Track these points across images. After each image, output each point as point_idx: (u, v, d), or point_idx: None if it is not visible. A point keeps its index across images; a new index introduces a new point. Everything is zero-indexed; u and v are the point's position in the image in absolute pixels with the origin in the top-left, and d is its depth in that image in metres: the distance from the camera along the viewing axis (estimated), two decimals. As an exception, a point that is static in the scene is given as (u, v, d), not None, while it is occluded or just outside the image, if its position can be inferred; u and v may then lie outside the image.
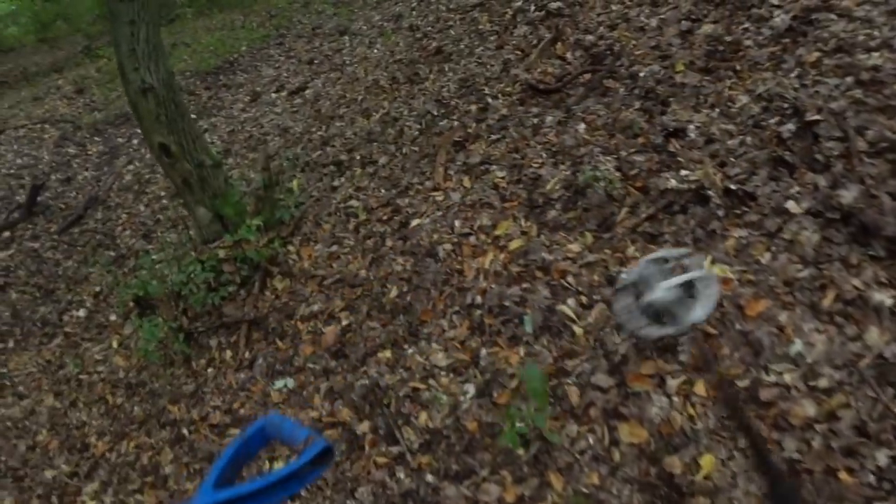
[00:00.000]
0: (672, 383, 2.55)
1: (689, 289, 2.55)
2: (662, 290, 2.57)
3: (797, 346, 2.49)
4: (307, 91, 5.97)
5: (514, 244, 3.21)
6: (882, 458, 2.19)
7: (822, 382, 2.39)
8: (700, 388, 2.51)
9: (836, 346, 2.43)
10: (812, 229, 2.70)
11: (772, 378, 2.46)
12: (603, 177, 3.24)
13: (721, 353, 2.57)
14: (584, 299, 2.91)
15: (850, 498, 2.16)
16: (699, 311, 2.52)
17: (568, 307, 2.89)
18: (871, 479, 2.18)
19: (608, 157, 3.37)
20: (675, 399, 2.52)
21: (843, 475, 2.20)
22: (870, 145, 2.79)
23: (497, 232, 3.30)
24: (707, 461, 2.34)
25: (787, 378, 2.44)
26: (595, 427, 2.53)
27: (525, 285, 3.02)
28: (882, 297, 2.48)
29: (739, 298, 2.67)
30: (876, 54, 3.16)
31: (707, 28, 3.72)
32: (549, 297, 2.94)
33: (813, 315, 2.55)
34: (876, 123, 2.83)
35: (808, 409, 2.35)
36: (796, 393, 2.40)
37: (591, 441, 2.51)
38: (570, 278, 2.98)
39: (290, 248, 3.86)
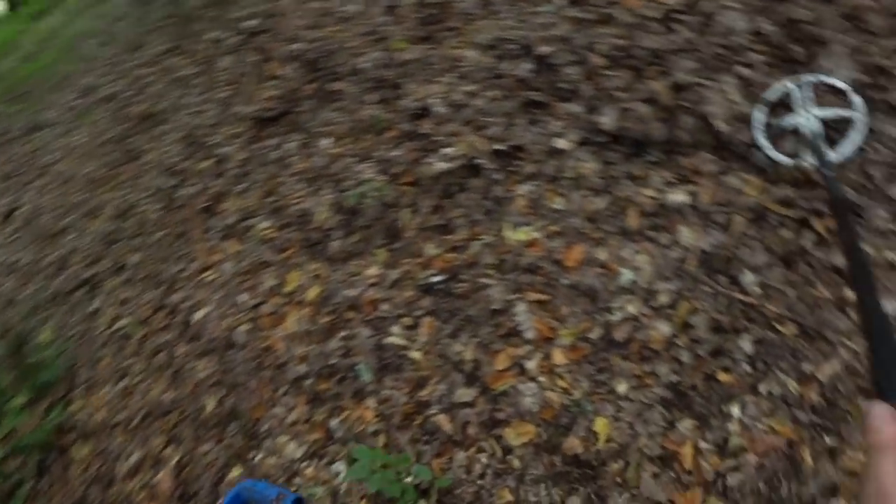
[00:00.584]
0: (531, 365, 2.40)
1: (837, 124, 2.32)
2: (802, 117, 2.35)
3: (626, 275, 2.43)
4: (20, 211, 5.13)
5: (311, 294, 2.87)
6: (746, 344, 2.19)
7: (663, 298, 2.34)
8: (558, 356, 2.38)
9: (660, 260, 2.40)
10: (590, 159, 2.65)
11: (618, 316, 2.38)
12: (370, 187, 2.99)
13: (561, 315, 2.46)
14: (407, 320, 2.66)
15: (737, 393, 2.14)
16: (842, 150, 2.27)
17: (396, 336, 2.63)
18: (746, 367, 2.17)
19: (367, 164, 3.12)
20: (542, 379, 2.37)
21: (721, 376, 2.16)
22: (605, 59, 2.78)
23: (288, 288, 2.94)
24: (601, 425, 2.21)
25: (632, 309, 2.37)
26: (482, 445, 2.32)
27: (342, 333, 2.71)
28: (677, 196, 2.47)
29: (554, 253, 2.57)
30: (568, -32, 3.16)
31: (409, -4, 3.57)
32: (373, 333, 2.66)
33: (626, 239, 2.50)
34: (601, 36, 2.83)
35: (664, 329, 2.30)
36: (646, 319, 2.34)
37: (484, 460, 2.30)
38: (384, 305, 2.71)
39: (75, 406, 3.23)
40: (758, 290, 2.24)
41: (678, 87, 2.57)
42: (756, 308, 2.21)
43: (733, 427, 2.08)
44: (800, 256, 2.26)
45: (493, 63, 3.06)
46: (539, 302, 2.49)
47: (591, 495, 2.11)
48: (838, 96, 2.35)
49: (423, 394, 2.46)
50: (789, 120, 2.35)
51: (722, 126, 2.44)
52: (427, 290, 2.69)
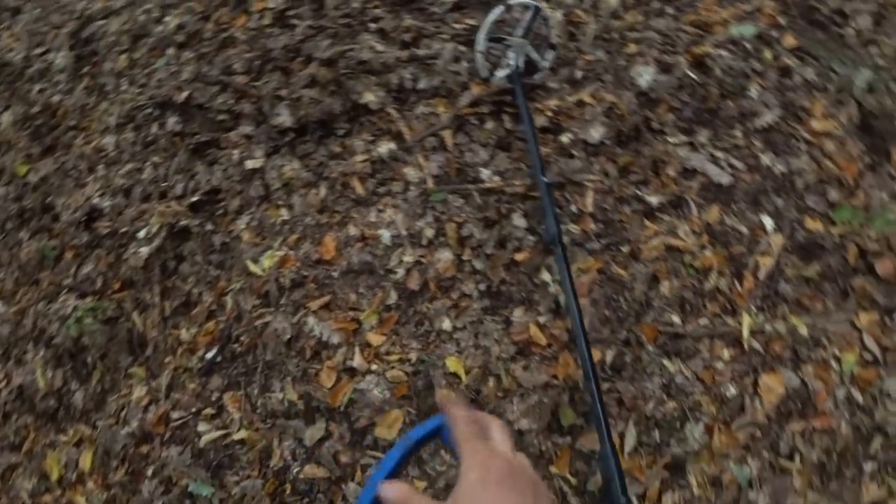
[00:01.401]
0: (357, 362, 2.22)
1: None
2: (511, 41, 2.55)
3: (385, 234, 2.41)
4: None
5: (86, 462, 2.31)
6: (519, 220, 2.30)
7: (429, 232, 2.36)
8: (374, 338, 2.25)
9: (405, 204, 2.42)
10: (288, 161, 2.58)
11: (401, 271, 2.34)
12: (82, 313, 2.55)
13: (352, 303, 2.35)
14: (208, 411, 2.28)
15: (540, 261, 2.24)
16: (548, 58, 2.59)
17: (207, 432, 2.24)
18: (531, 238, 2.29)
19: (62, 298, 2.66)
20: (375, 367, 2.21)
21: (518, 256, 2.26)
22: (247, 74, 2.74)
23: (55, 475, 2.34)
24: (453, 364, 2.13)
25: (409, 258, 2.35)
26: (363, 462, 2.09)
27: (150, 470, 2.24)
28: (384, 147, 2.52)
29: (310, 256, 2.44)
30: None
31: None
32: (182, 447, 2.23)
33: (365, 206, 2.47)
34: (230, 58, 2.78)
35: (446, 255, 2.31)
36: (426, 258, 2.34)
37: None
38: (174, 415, 2.31)
39: None
40: (496, 177, 2.39)
41: (329, 62, 2.64)
42: (502, 190, 2.36)
43: (553, 289, 2.19)
44: (509, 137, 2.47)
45: (137, 135, 2.83)
46: (325, 306, 2.34)
47: (486, 423, 2.05)
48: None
49: (274, 462, 2.15)
50: (504, 43, 2.56)
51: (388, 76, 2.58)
52: (208, 370, 2.37)
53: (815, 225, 2.27)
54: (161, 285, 2.54)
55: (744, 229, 2.26)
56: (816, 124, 2.42)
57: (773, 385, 2.03)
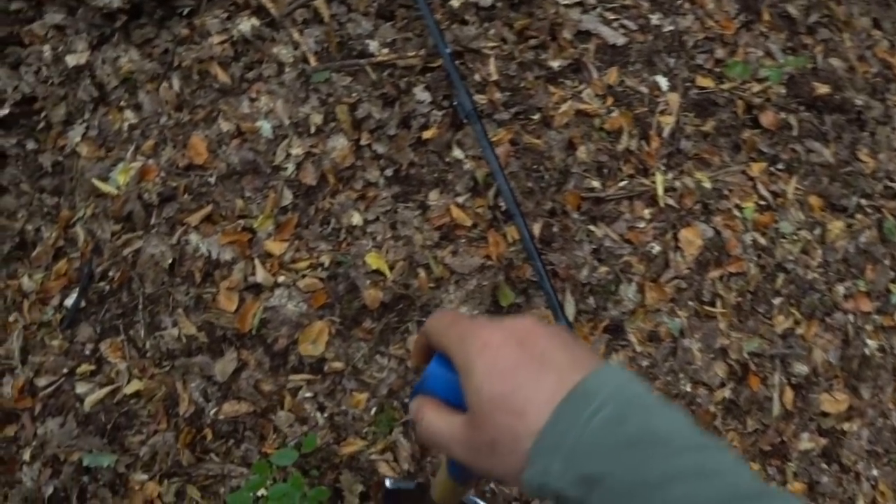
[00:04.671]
0: (261, 276, 1.93)
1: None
2: None
3: (265, 125, 2.06)
4: None
5: None
6: (422, 94, 2.07)
7: (316, 118, 2.05)
8: (274, 246, 1.96)
9: (281, 88, 2.08)
10: (122, 52, 2.09)
11: (291, 166, 2.03)
12: None
13: (240, 210, 2.02)
14: (84, 367, 1.87)
15: (447, 136, 2.07)
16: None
17: (89, 395, 1.86)
18: (437, 112, 2.09)
19: None
20: (283, 278, 1.93)
21: (426, 134, 2.05)
22: None
23: None
24: (374, 261, 1.91)
25: (299, 150, 2.03)
26: (291, 387, 1.86)
27: (36, 465, 1.85)
28: (245, 25, 2.13)
29: (176, 162, 2.02)
30: None
31: None
32: (62, 418, 1.84)
33: (233, 95, 2.09)
34: None
35: (342, 142, 2.04)
36: (318, 147, 2.05)
37: (309, 395, 1.85)
38: (40, 382, 1.89)
39: None
40: (386, 50, 2.13)
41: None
42: (394, 64, 2.11)
43: (468, 166, 2.03)
44: (391, 4, 2.20)
45: None
46: (207, 218, 1.99)
47: (422, 317, 1.90)
48: None
49: (184, 409, 1.83)
50: None
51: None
52: (72, 320, 1.94)
53: (706, 82, 2.30)
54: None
55: (644, 89, 2.23)
56: (694, -19, 2.43)
57: (692, 238, 2.07)
